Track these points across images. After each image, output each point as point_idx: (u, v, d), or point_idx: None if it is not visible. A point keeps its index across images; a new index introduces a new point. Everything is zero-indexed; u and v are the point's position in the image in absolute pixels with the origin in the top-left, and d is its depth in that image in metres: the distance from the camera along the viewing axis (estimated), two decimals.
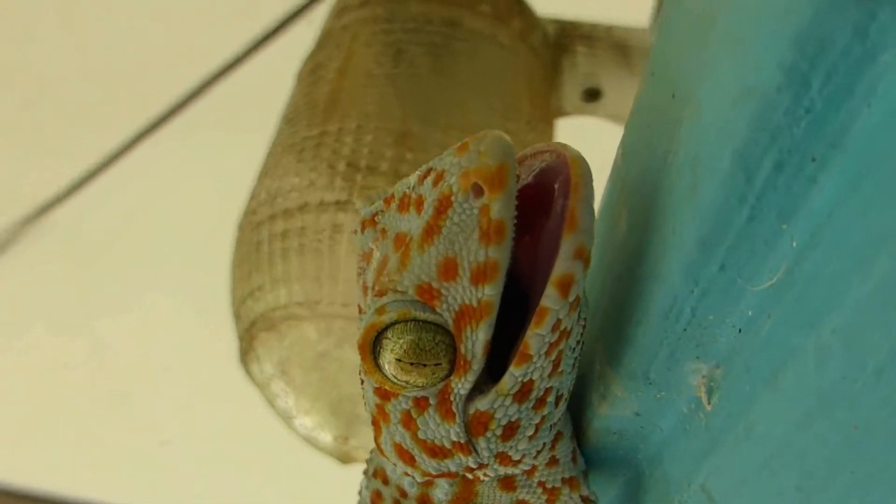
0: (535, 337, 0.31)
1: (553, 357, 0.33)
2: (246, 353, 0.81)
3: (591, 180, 0.29)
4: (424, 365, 0.32)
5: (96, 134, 1.40)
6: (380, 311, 0.32)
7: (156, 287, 1.56)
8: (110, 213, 1.52)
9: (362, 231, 0.37)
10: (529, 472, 0.40)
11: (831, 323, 0.25)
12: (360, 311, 0.38)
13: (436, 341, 0.32)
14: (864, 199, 0.23)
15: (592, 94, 0.97)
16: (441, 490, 0.41)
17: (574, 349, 0.35)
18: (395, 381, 0.33)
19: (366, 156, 0.79)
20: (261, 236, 0.80)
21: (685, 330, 0.32)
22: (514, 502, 0.42)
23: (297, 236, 0.78)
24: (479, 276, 0.30)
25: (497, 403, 0.33)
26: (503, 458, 0.36)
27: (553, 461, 0.40)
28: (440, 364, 0.32)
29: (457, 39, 0.91)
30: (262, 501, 1.88)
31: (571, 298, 0.30)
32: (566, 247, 0.28)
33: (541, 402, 0.34)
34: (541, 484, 0.41)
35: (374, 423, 0.38)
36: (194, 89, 1.37)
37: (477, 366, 0.32)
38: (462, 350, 0.32)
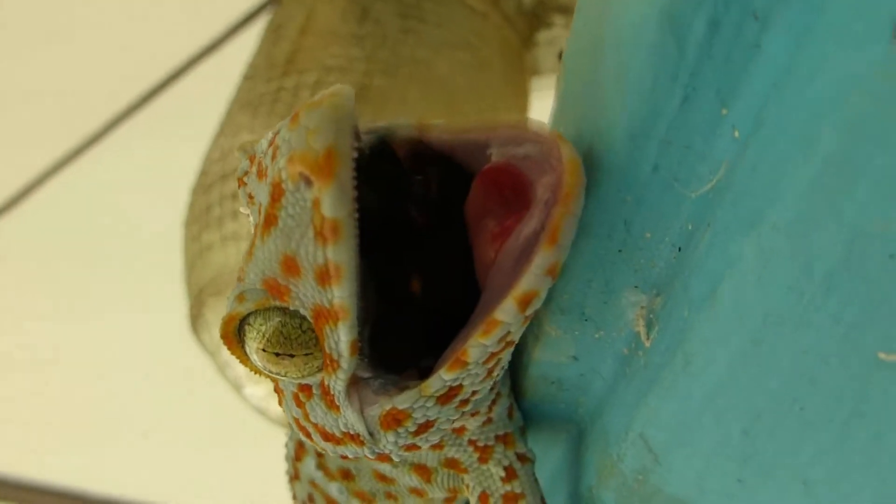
0: (478, 346, 0.26)
1: (490, 365, 0.28)
2: (196, 318, 0.77)
3: (584, 191, 0.24)
4: (292, 355, 0.28)
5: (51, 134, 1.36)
6: (239, 298, 0.28)
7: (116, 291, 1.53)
8: (71, 210, 1.48)
9: (239, 188, 0.33)
10: (459, 431, 0.36)
11: (772, 218, 0.21)
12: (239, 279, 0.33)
13: (302, 329, 0.27)
14: (812, 60, 0.19)
15: None
16: None
17: (512, 351, 0.30)
18: (267, 371, 0.29)
19: None
20: (211, 199, 0.76)
21: (620, 251, 0.28)
22: (442, 461, 0.38)
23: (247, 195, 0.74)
24: (322, 278, 0.26)
25: (417, 404, 0.29)
26: (410, 447, 0.32)
27: (488, 420, 0.36)
28: (311, 353, 0.28)
29: (426, 1, 0.87)
30: (213, 472, 1.84)
31: (529, 313, 0.25)
32: (540, 261, 0.24)
33: (465, 402, 0.30)
34: (472, 442, 0.37)
35: (276, 391, 0.34)
36: (146, 92, 1.33)
37: (346, 364, 0.28)
38: (326, 349, 0.28)
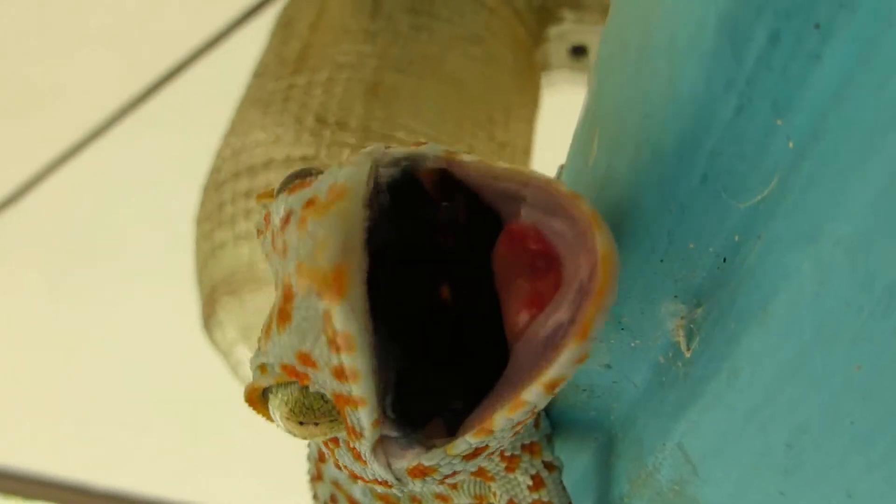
0: (504, 419, 0.26)
1: (517, 429, 0.28)
2: (208, 317, 0.76)
3: (617, 283, 0.23)
4: (316, 423, 0.28)
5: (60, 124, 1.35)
6: (262, 369, 0.28)
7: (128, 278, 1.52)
8: (73, 204, 1.48)
9: (258, 237, 0.32)
10: None
11: (833, 234, 0.20)
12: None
13: (325, 400, 0.28)
14: (877, 73, 0.18)
15: (578, 51, 0.93)
16: None
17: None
18: (292, 434, 0.29)
19: (335, 109, 0.74)
20: (224, 196, 0.75)
21: (662, 261, 0.27)
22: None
23: None
24: (339, 375, 0.26)
25: (444, 461, 0.29)
26: (440, 483, 0.32)
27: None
28: (335, 420, 0.28)
29: None
30: (227, 471, 1.85)
31: (553, 393, 0.25)
32: (569, 354, 0.23)
33: (490, 454, 0.30)
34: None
35: None
36: (153, 84, 1.32)
37: (369, 435, 0.28)
38: (348, 423, 0.28)
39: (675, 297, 0.29)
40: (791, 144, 0.22)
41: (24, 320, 1.65)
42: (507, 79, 0.89)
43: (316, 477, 0.48)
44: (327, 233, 0.23)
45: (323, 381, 0.27)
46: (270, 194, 0.31)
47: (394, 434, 0.29)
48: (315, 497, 0.50)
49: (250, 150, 0.75)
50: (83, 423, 1.79)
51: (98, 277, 1.56)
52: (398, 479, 0.30)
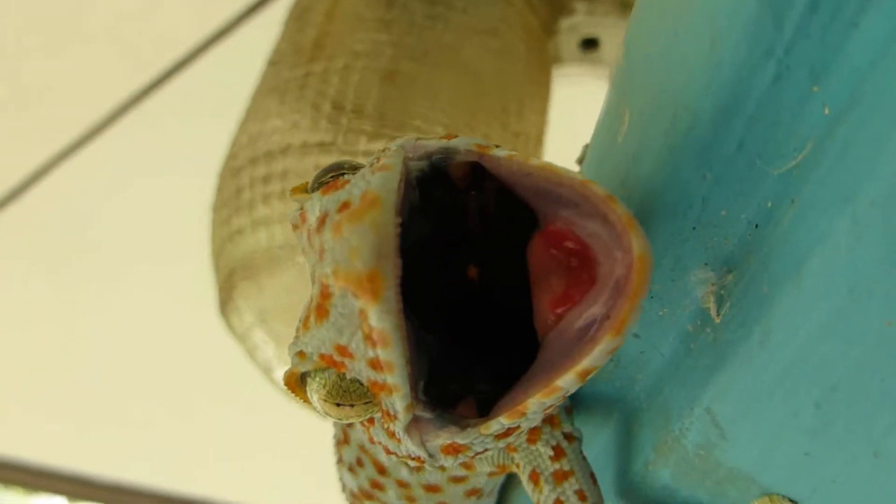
0: (537, 403, 0.27)
1: (548, 411, 0.30)
2: (225, 303, 0.77)
3: (649, 283, 0.24)
4: (352, 405, 0.30)
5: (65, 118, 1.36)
6: (300, 355, 0.30)
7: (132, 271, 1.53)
8: (82, 196, 1.48)
9: (294, 231, 0.33)
10: None
11: (868, 194, 0.21)
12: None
13: (360, 384, 0.29)
14: None
15: (590, 43, 0.94)
16: None
17: None
18: (329, 416, 0.31)
19: (352, 97, 0.75)
20: (241, 182, 0.76)
21: (694, 229, 0.28)
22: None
23: (279, 181, 0.74)
24: (375, 366, 0.28)
25: (477, 440, 0.30)
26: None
27: None
28: (370, 402, 0.30)
29: None
30: (244, 456, 1.85)
31: (586, 380, 0.27)
32: (604, 346, 0.25)
33: (521, 433, 0.32)
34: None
35: None
36: (160, 75, 1.33)
37: (403, 418, 0.29)
38: (383, 406, 0.30)
39: (706, 264, 0.30)
40: (827, 111, 0.23)
41: (26, 311, 1.66)
42: (520, 70, 0.90)
43: (342, 441, 0.49)
44: (361, 240, 0.24)
45: (359, 370, 0.29)
46: (304, 189, 0.32)
47: (427, 415, 0.30)
48: (340, 461, 0.51)
49: (267, 136, 0.75)
50: (87, 414, 1.79)
51: (100, 270, 1.57)
52: (431, 456, 0.32)
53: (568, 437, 0.40)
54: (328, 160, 0.73)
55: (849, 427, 0.27)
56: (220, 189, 0.79)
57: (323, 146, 0.73)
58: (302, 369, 0.30)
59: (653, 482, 0.38)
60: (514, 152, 0.28)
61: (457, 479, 0.47)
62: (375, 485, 0.49)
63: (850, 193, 0.22)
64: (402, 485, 0.48)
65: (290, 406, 0.84)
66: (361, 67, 0.77)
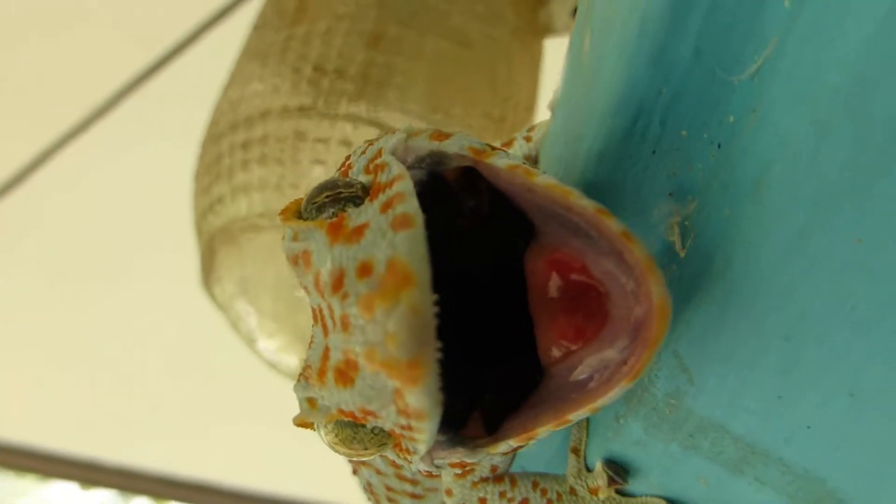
0: (549, 432, 0.27)
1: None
2: (207, 273, 0.76)
3: (668, 329, 0.24)
4: (367, 448, 0.29)
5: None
6: (311, 402, 0.29)
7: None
8: (71, 193, 1.48)
9: (292, 267, 0.31)
10: None
11: (831, 85, 0.19)
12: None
13: (375, 433, 0.28)
14: None
15: None
16: None
17: None
18: (336, 451, 0.30)
19: (334, 59, 0.73)
20: (221, 148, 0.75)
21: (654, 153, 0.26)
22: None
23: (258, 146, 0.72)
24: (405, 427, 0.26)
25: (485, 459, 0.31)
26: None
27: None
28: (384, 444, 0.29)
29: None
30: (226, 429, 1.85)
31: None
32: (620, 390, 0.25)
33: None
34: None
35: None
36: (156, 61, 1.31)
37: (421, 454, 0.29)
38: (402, 445, 0.29)
39: (670, 195, 0.28)
40: (787, 3, 0.20)
41: (28, 299, 1.66)
42: (508, 36, 0.88)
43: None
44: (398, 325, 0.22)
45: (384, 425, 0.27)
46: (297, 209, 0.30)
47: (439, 438, 0.29)
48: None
49: (248, 100, 0.74)
50: (91, 397, 1.79)
51: (99, 257, 1.57)
52: (438, 468, 0.31)
53: None
54: (308, 124, 0.71)
55: (821, 363, 0.25)
56: (202, 156, 0.78)
57: (303, 110, 0.71)
58: (313, 419, 0.29)
59: (626, 437, 0.36)
60: (515, 162, 0.26)
61: None
62: None
63: (812, 87, 0.20)
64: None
65: (279, 377, 0.82)
66: (345, 30, 0.75)
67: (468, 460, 0.30)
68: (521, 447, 0.29)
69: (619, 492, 0.40)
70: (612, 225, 0.23)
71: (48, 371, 1.80)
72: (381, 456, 0.47)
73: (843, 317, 0.23)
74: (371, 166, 0.28)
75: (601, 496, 0.40)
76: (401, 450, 0.29)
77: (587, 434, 0.40)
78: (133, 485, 2.01)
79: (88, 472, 2.01)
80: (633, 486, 0.39)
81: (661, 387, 0.31)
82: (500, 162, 0.26)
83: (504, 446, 0.28)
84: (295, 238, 0.28)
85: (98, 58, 1.35)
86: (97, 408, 1.82)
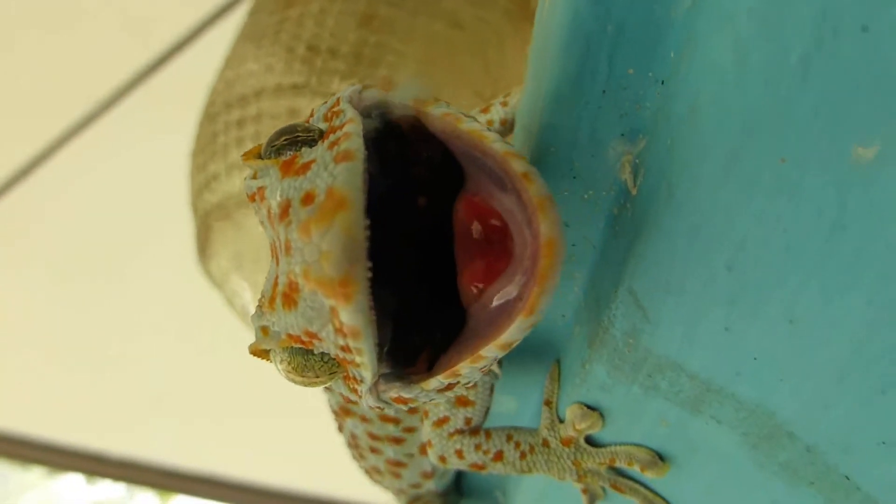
0: (469, 369, 0.29)
1: (486, 370, 0.30)
2: (203, 249, 0.77)
3: (560, 266, 0.25)
4: (317, 377, 0.31)
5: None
6: (263, 330, 0.31)
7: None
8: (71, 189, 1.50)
9: (250, 203, 0.33)
10: None
11: (748, 4, 0.20)
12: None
13: (324, 360, 0.30)
14: None
15: None
16: None
17: None
18: (294, 383, 0.32)
19: (327, 39, 0.75)
20: (216, 127, 0.76)
21: (604, 92, 0.28)
22: None
23: (253, 123, 0.74)
24: (345, 350, 0.28)
25: (421, 396, 0.31)
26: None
27: None
28: (335, 373, 0.31)
29: None
30: (234, 420, 1.87)
31: (511, 349, 0.28)
32: (519, 325, 0.26)
33: (464, 386, 0.32)
34: None
35: None
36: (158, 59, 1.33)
37: (369, 383, 0.30)
38: (349, 373, 0.31)
39: (622, 135, 0.29)
40: None
41: (36, 295, 1.67)
42: (500, 20, 0.89)
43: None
44: (331, 244, 0.24)
45: (328, 348, 0.29)
46: (257, 153, 0.32)
47: (385, 370, 0.31)
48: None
49: (243, 80, 0.75)
50: (97, 391, 1.81)
51: (108, 253, 1.58)
52: (387, 404, 0.33)
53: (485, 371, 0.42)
54: (301, 102, 0.72)
55: (761, 290, 0.26)
56: (198, 136, 0.79)
57: (296, 88, 0.72)
58: (266, 346, 0.31)
59: (591, 382, 0.37)
60: (451, 111, 0.28)
61: None
62: (349, 399, 0.50)
63: (732, 12, 0.21)
64: None
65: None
66: (338, 11, 0.77)
67: (404, 395, 0.31)
68: (454, 383, 0.30)
69: (588, 442, 0.41)
70: (516, 165, 0.25)
71: (53, 364, 1.81)
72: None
73: (777, 240, 0.24)
74: (329, 114, 0.30)
75: (572, 447, 0.41)
76: (349, 379, 0.31)
77: (559, 386, 0.42)
78: (139, 477, 2.02)
79: (95, 465, 2.02)
80: (600, 435, 0.40)
81: (619, 326, 0.33)
82: (435, 111, 0.28)
83: (434, 382, 0.30)
84: (254, 176, 0.30)
85: (98, 55, 1.37)
86: (102, 401, 1.84)
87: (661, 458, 0.38)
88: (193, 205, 0.78)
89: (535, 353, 0.44)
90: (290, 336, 0.29)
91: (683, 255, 0.27)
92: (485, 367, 0.29)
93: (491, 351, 0.27)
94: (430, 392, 0.31)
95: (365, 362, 0.28)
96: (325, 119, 0.31)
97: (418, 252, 0.34)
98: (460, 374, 0.29)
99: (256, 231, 0.72)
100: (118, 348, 1.74)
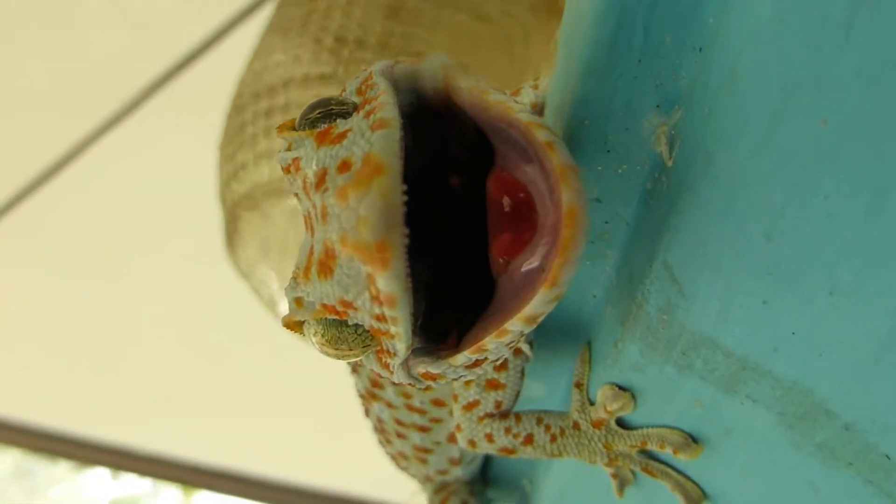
0: (494, 343, 0.28)
1: (513, 346, 0.30)
2: (230, 239, 0.78)
3: (583, 237, 0.24)
4: (350, 349, 0.31)
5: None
6: (297, 301, 0.31)
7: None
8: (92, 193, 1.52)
9: (285, 175, 0.33)
10: None
11: None
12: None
13: (357, 333, 0.30)
14: None
15: None
16: None
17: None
18: (327, 355, 0.32)
19: (354, 29, 0.75)
20: (245, 118, 0.77)
21: (640, 62, 0.27)
22: None
23: (280, 113, 0.74)
24: (380, 319, 0.28)
25: (448, 372, 0.31)
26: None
27: None
28: (368, 346, 0.31)
29: None
30: (262, 418, 1.88)
31: (536, 323, 0.27)
32: (542, 297, 0.26)
33: (493, 362, 0.32)
34: None
35: None
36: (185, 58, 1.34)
37: (402, 356, 0.30)
38: (383, 345, 0.31)
39: (657, 106, 0.29)
40: None
41: (61, 291, 1.69)
42: (526, 14, 0.89)
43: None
44: (369, 209, 0.24)
45: (362, 319, 0.29)
46: (291, 126, 0.32)
47: (418, 345, 0.31)
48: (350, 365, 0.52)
49: (271, 71, 0.76)
50: (125, 386, 1.83)
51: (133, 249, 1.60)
52: (417, 380, 0.33)
53: (517, 351, 0.42)
54: (329, 92, 0.73)
55: (800, 261, 0.26)
56: (226, 128, 0.80)
57: (324, 78, 0.73)
58: (300, 317, 0.31)
59: (624, 362, 0.37)
60: (480, 84, 0.28)
61: None
62: (375, 384, 0.50)
63: None
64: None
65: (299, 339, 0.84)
66: (365, 2, 0.77)
67: (432, 370, 0.31)
68: (481, 360, 0.30)
69: (620, 424, 0.41)
70: (540, 135, 0.25)
71: (81, 359, 1.83)
72: (392, 385, 0.49)
73: (817, 209, 0.24)
74: (362, 87, 0.30)
75: (603, 429, 0.41)
76: (382, 353, 0.31)
77: (589, 368, 0.41)
78: (164, 472, 2.04)
79: (120, 460, 2.04)
80: (632, 417, 0.40)
81: (653, 302, 0.32)
82: (463, 82, 0.28)
83: (462, 358, 0.30)
84: (289, 148, 0.31)
85: (127, 56, 1.38)
86: (129, 396, 1.85)
87: (693, 440, 0.38)
88: (221, 195, 0.79)
89: (564, 336, 0.43)
90: (324, 306, 0.29)
91: (720, 225, 0.27)
92: (511, 342, 0.29)
93: (515, 325, 0.27)
94: (458, 368, 0.31)
95: (399, 332, 0.28)
96: (358, 93, 0.31)
97: (453, 232, 0.34)
98: (487, 350, 0.29)
99: (283, 221, 0.73)
100: (147, 344, 1.76)
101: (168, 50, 1.37)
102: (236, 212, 0.75)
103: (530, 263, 0.27)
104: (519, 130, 0.26)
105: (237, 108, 0.78)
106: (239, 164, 0.75)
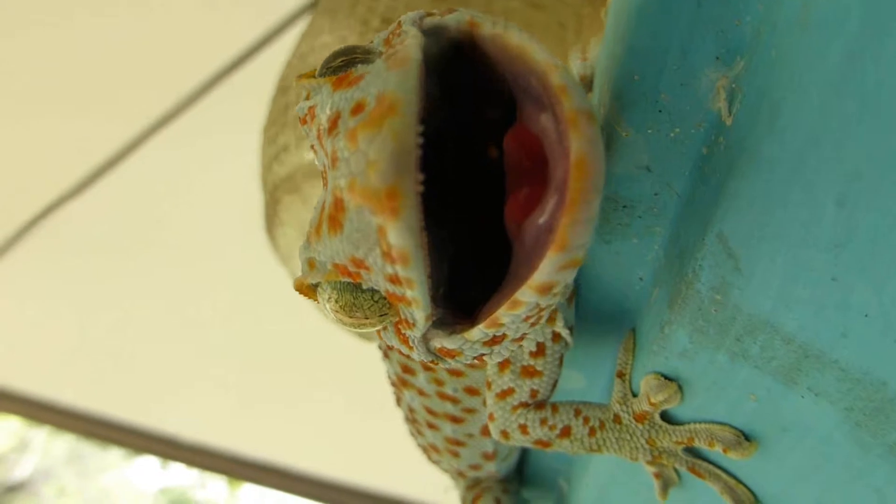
0: (508, 315, 0.26)
1: (530, 320, 0.28)
2: (270, 219, 0.77)
3: (595, 192, 0.22)
4: (367, 317, 0.29)
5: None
6: (310, 263, 0.29)
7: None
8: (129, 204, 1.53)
9: (301, 126, 0.32)
10: None
11: None
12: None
13: (374, 299, 0.28)
14: None
15: None
16: None
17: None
18: (342, 324, 0.30)
19: (402, 11, 0.73)
20: (288, 99, 0.76)
21: (700, 5, 0.25)
22: None
23: None
24: (394, 281, 0.26)
25: (465, 347, 0.29)
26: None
27: None
28: (385, 315, 0.29)
29: None
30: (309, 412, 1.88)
31: (551, 294, 0.25)
32: (550, 262, 0.23)
33: (515, 340, 0.30)
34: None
35: None
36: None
37: (422, 328, 0.28)
38: (401, 315, 0.29)
39: (717, 58, 0.26)
40: None
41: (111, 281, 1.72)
42: (580, 2, 0.86)
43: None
44: (379, 152, 0.22)
45: (376, 282, 0.27)
46: (312, 74, 0.30)
47: (437, 316, 0.29)
48: (381, 349, 0.50)
49: (316, 52, 0.75)
50: (176, 375, 1.85)
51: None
52: (436, 357, 0.31)
53: (555, 336, 0.39)
54: None
55: (879, 232, 0.23)
56: (270, 110, 0.79)
57: None
58: (313, 280, 0.29)
59: (671, 349, 0.34)
60: (504, 28, 0.25)
61: (474, 366, 0.45)
62: (406, 369, 0.48)
63: None
64: (429, 368, 0.47)
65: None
66: None
67: (447, 345, 0.29)
68: (499, 336, 0.28)
69: (664, 419, 0.38)
70: (555, 78, 0.22)
71: (135, 347, 1.86)
72: (424, 371, 0.47)
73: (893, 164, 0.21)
74: (390, 37, 0.28)
75: (646, 423, 0.38)
76: (401, 323, 0.29)
77: (633, 357, 0.38)
78: (211, 463, 2.05)
79: (169, 449, 2.07)
80: (678, 411, 0.37)
81: (705, 280, 0.29)
82: (486, 30, 0.25)
83: (477, 333, 0.28)
84: (307, 97, 0.29)
85: (183, 53, 1.39)
86: (180, 386, 1.88)
87: (746, 437, 0.35)
88: (263, 178, 0.78)
89: (607, 323, 0.40)
90: (336, 266, 0.27)
91: (785, 190, 0.24)
92: (528, 315, 0.27)
93: (526, 294, 0.25)
94: (475, 344, 0.29)
95: (416, 296, 0.26)
96: (386, 43, 0.29)
97: (488, 207, 0.32)
98: (501, 324, 0.27)
99: None
100: (199, 336, 1.78)
101: (224, 48, 1.38)
102: (277, 195, 0.74)
103: (539, 224, 0.25)
104: (535, 74, 0.23)
105: (281, 89, 0.77)
106: (281, 146, 0.74)
